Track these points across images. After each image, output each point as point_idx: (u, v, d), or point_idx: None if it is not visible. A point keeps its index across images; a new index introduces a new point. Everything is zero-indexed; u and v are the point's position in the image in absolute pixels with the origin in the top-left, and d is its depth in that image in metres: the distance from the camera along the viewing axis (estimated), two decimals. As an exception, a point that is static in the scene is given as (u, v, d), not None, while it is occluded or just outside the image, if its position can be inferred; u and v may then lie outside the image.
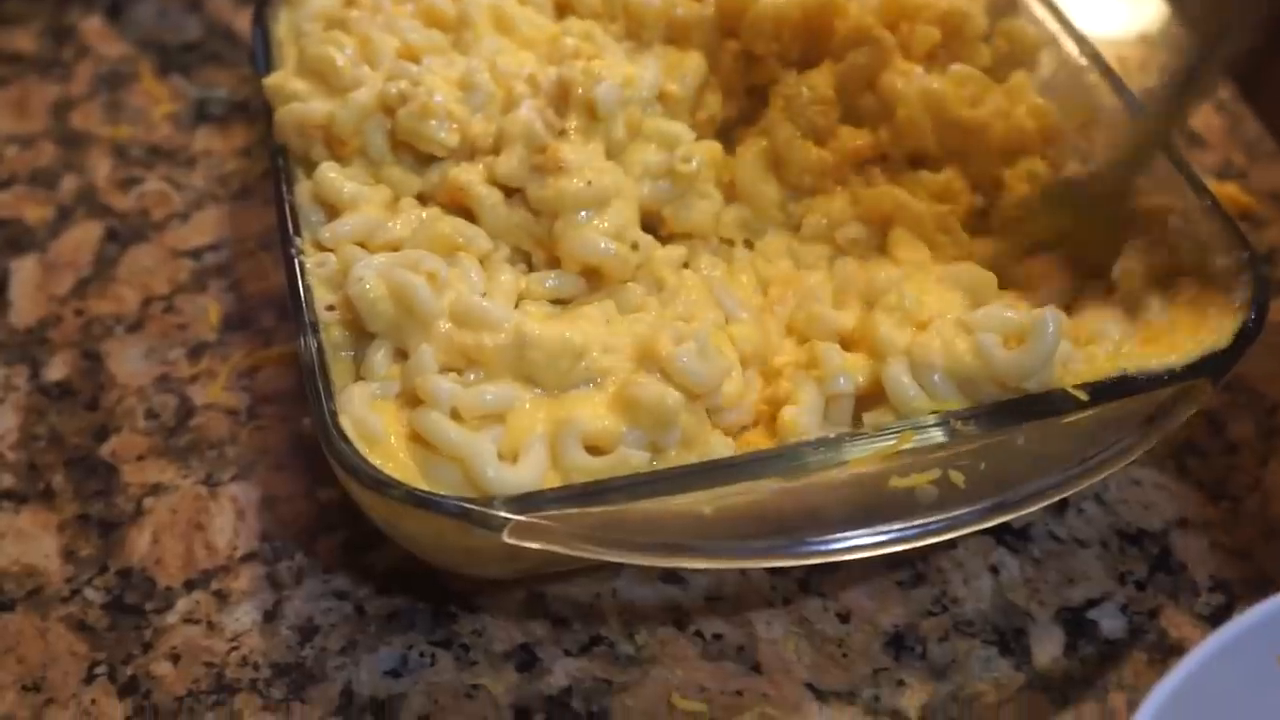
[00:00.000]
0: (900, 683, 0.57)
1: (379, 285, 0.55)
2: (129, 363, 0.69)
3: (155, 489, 0.63)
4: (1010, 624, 0.59)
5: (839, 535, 0.50)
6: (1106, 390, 0.54)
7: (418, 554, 0.57)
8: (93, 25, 0.89)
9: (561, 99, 0.61)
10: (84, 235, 0.76)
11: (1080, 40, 0.68)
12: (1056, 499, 0.52)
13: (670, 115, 0.65)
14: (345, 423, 0.52)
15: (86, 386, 0.68)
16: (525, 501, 0.50)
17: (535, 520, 0.49)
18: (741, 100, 0.70)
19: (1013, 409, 0.54)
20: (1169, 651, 0.58)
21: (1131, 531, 0.62)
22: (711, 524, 0.50)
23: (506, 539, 0.49)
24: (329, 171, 0.62)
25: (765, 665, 0.57)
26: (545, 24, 0.69)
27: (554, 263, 0.61)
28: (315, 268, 0.58)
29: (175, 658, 0.57)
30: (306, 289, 0.57)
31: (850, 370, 0.56)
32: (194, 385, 0.68)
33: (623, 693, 0.56)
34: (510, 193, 0.61)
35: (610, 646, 0.58)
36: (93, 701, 0.56)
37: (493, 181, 0.61)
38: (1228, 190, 0.78)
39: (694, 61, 0.66)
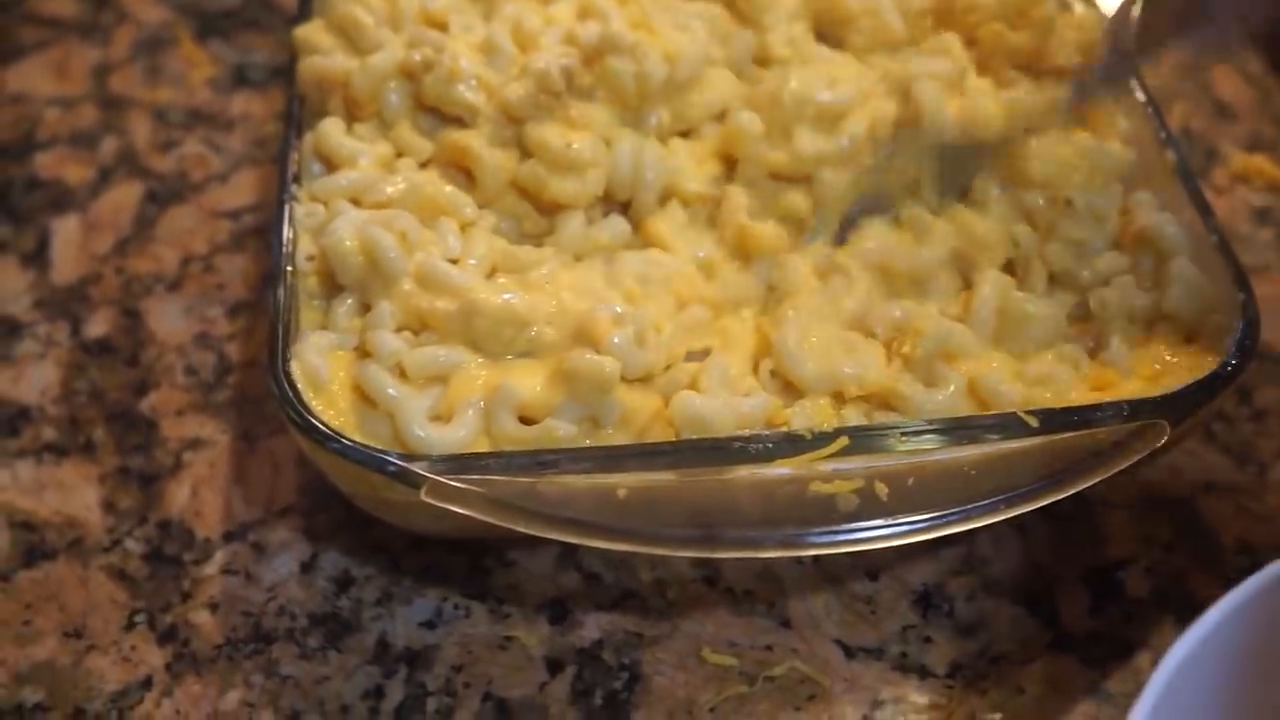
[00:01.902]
0: (928, 640, 0.58)
1: (352, 239, 0.56)
2: (168, 320, 0.70)
3: (194, 443, 0.64)
4: (1037, 584, 0.59)
5: (751, 533, 0.50)
6: (1057, 420, 0.52)
7: (359, 505, 0.57)
8: (132, -10, 0.90)
9: (593, 58, 0.62)
10: (124, 196, 0.76)
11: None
12: (983, 524, 0.51)
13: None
14: (295, 367, 0.53)
15: (126, 343, 0.69)
16: (441, 462, 0.50)
17: (446, 482, 0.50)
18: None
19: (960, 428, 0.53)
20: (1194, 613, 0.57)
21: (1158, 495, 0.63)
22: (625, 507, 0.50)
23: (425, 498, 0.50)
24: (330, 127, 0.63)
25: (795, 621, 0.58)
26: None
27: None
28: (305, 217, 0.59)
29: (214, 607, 0.58)
30: (292, 236, 0.58)
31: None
32: (232, 343, 0.69)
33: (654, 646, 0.57)
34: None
35: (641, 601, 0.58)
36: (132, 648, 0.57)
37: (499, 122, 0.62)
38: (1257, 162, 0.79)
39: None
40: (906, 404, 0.55)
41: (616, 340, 0.54)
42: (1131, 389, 0.55)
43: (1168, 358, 0.57)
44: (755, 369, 0.57)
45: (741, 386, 0.56)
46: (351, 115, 0.65)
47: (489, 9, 0.68)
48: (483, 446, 0.53)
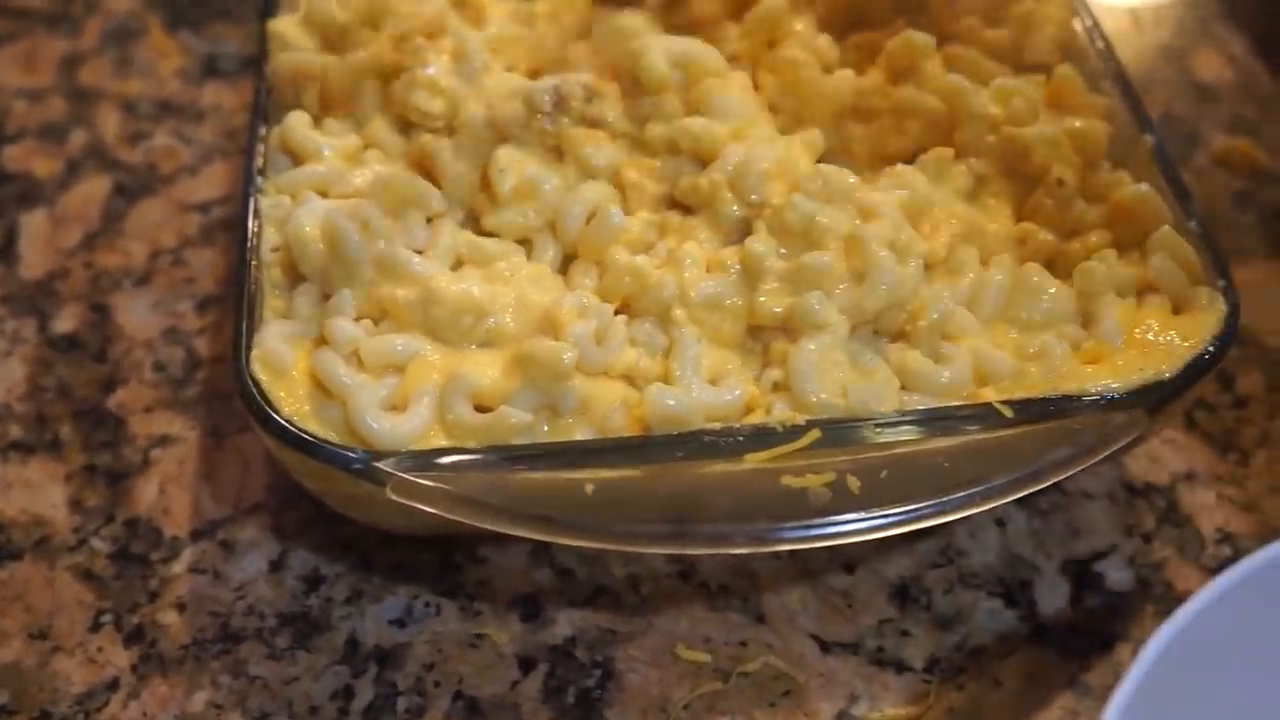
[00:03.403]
0: (905, 634, 0.57)
1: (314, 227, 0.56)
2: (137, 315, 0.69)
3: (162, 440, 0.63)
4: (1016, 576, 0.59)
5: (721, 528, 0.49)
6: (1033, 410, 0.52)
7: (328, 502, 0.57)
8: (101, -20, 0.89)
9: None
10: (92, 189, 0.76)
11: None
12: (957, 518, 0.51)
13: None
14: (256, 357, 0.53)
15: (94, 339, 0.68)
16: (406, 459, 0.50)
17: (411, 479, 0.49)
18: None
19: (933, 419, 0.52)
20: (1175, 603, 0.57)
21: (1138, 485, 0.62)
22: (593, 502, 0.49)
23: (391, 495, 0.49)
24: (295, 121, 0.62)
25: (770, 616, 0.57)
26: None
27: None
28: (270, 209, 0.58)
29: (181, 607, 0.58)
30: (257, 229, 0.57)
31: None
32: (201, 338, 0.68)
33: (627, 643, 0.56)
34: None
35: (615, 597, 0.58)
36: (99, 649, 0.56)
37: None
38: (1239, 145, 0.78)
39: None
40: (915, 379, 0.54)
41: (578, 330, 0.53)
42: (1124, 361, 0.54)
43: (1157, 329, 0.55)
44: (761, 370, 0.56)
45: (715, 372, 0.55)
46: (325, 110, 0.64)
47: (478, 18, 0.67)
48: (436, 436, 0.52)
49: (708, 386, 0.54)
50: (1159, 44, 0.85)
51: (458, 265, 0.58)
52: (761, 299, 0.55)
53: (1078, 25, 0.66)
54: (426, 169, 0.61)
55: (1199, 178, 0.76)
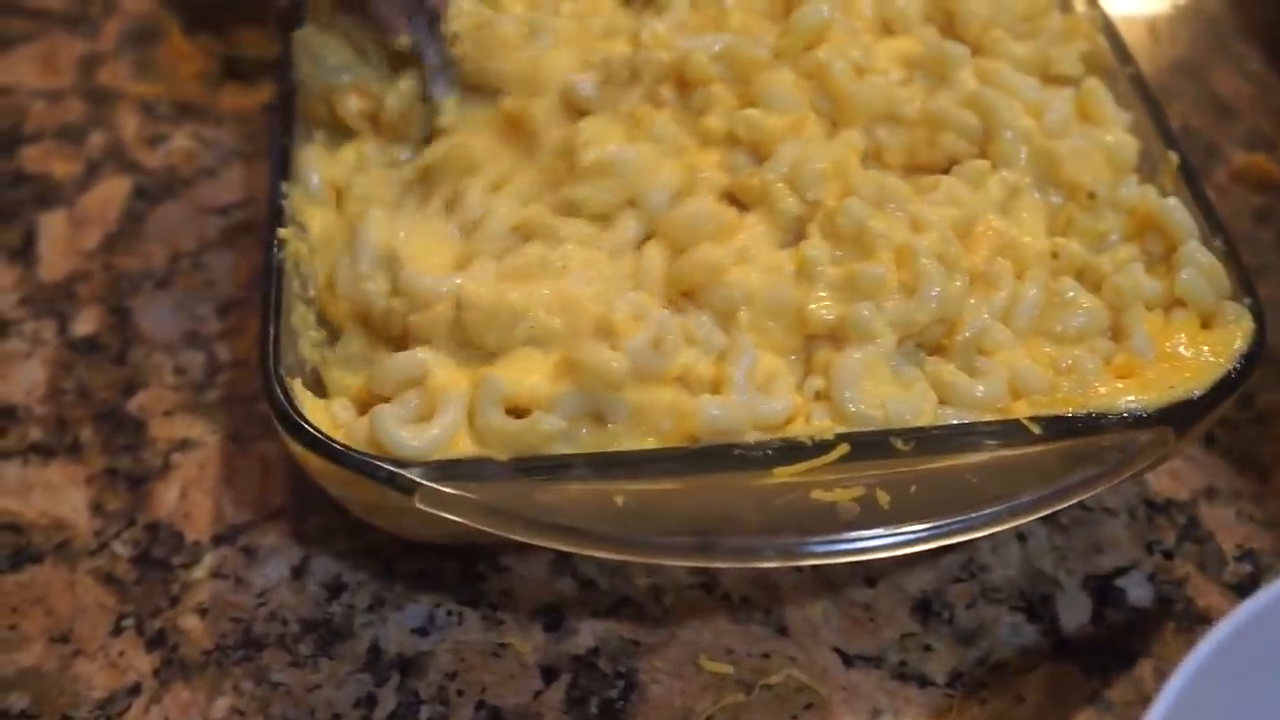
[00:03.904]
0: (927, 648, 0.57)
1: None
2: (157, 319, 0.69)
3: (183, 444, 0.63)
4: (1038, 591, 0.59)
5: (749, 542, 0.50)
6: (1061, 427, 0.52)
7: (350, 510, 0.57)
8: (120, -19, 0.89)
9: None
10: (112, 191, 0.76)
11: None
12: (986, 535, 0.51)
13: None
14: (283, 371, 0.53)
15: (114, 341, 0.68)
16: (434, 469, 0.50)
17: (439, 489, 0.49)
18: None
19: (961, 434, 0.52)
20: (1196, 620, 0.58)
21: (1159, 501, 0.62)
22: (622, 514, 0.50)
23: (418, 504, 0.49)
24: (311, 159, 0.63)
25: (792, 629, 0.57)
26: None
27: None
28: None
29: (203, 612, 0.58)
30: (281, 233, 0.58)
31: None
32: (222, 342, 0.68)
33: (650, 654, 0.56)
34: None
35: (638, 608, 0.58)
36: (120, 654, 0.56)
37: None
38: (1257, 160, 0.78)
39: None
40: (950, 393, 0.54)
41: (635, 342, 0.53)
42: (1155, 375, 0.54)
43: (1186, 343, 0.55)
44: (803, 377, 0.56)
45: (765, 378, 0.54)
46: (368, 124, 0.64)
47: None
48: (464, 443, 0.52)
49: (759, 395, 0.53)
50: (1176, 58, 0.85)
51: (522, 238, 0.58)
52: (812, 306, 0.55)
53: (1102, 40, 0.66)
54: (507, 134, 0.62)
55: (1219, 193, 0.76)
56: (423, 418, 0.53)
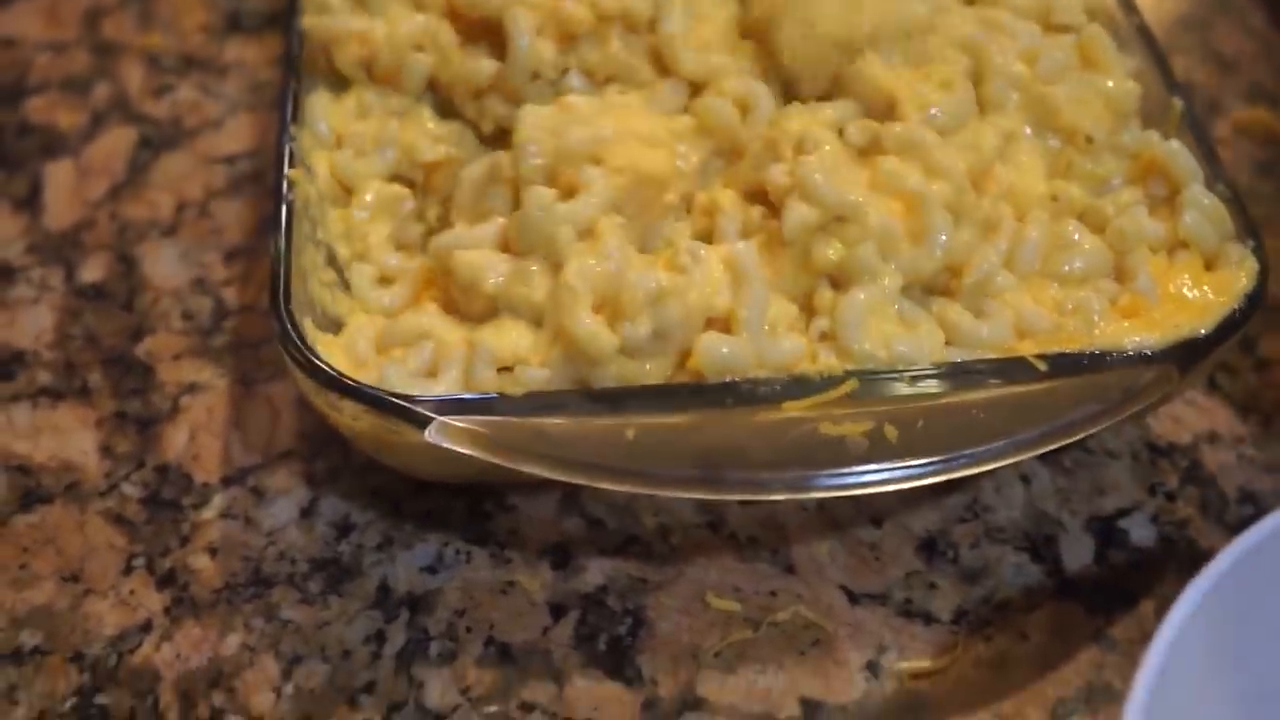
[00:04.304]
0: (932, 586, 0.57)
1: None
2: (164, 266, 0.69)
3: (192, 388, 0.64)
4: (1041, 532, 0.59)
5: (758, 475, 0.50)
6: (1066, 364, 0.52)
7: (358, 449, 0.57)
8: (123, -65, 0.89)
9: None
10: (117, 141, 0.76)
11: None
12: (992, 469, 0.52)
13: None
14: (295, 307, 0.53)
15: (121, 288, 0.68)
16: (447, 402, 0.51)
17: (452, 422, 0.50)
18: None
19: (968, 371, 0.52)
20: (1199, 560, 0.57)
21: (1161, 445, 0.62)
22: (631, 448, 0.50)
23: (431, 438, 0.50)
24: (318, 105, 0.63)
25: (799, 567, 0.58)
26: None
27: None
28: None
29: (213, 551, 0.58)
30: (289, 175, 0.58)
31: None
32: (229, 288, 0.68)
33: (658, 591, 0.57)
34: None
35: (645, 546, 0.58)
36: (131, 592, 0.57)
37: None
38: (1257, 115, 0.78)
39: None
40: (957, 334, 0.54)
41: (640, 332, 0.52)
42: (1160, 315, 0.54)
43: (1190, 284, 0.56)
44: (808, 321, 0.56)
45: (775, 321, 0.55)
46: (369, 76, 0.64)
47: None
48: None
49: (767, 337, 0.53)
50: (1179, 14, 0.85)
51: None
52: (818, 245, 0.55)
53: None
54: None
55: (1221, 147, 0.76)
56: (430, 373, 0.54)
